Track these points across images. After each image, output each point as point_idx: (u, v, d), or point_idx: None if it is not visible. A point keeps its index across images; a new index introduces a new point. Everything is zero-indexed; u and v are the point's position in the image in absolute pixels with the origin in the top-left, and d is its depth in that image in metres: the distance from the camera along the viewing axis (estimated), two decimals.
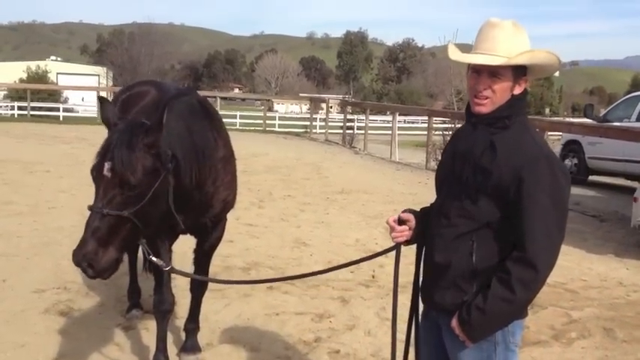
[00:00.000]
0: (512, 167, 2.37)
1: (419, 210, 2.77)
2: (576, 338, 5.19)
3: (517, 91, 2.50)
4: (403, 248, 2.81)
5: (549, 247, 2.37)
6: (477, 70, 2.49)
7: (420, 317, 2.82)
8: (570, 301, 6.04)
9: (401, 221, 2.71)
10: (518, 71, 2.47)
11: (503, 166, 2.39)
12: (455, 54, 2.56)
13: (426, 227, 2.67)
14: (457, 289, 2.49)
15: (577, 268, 7.19)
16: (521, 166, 2.36)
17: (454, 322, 2.48)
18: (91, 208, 3.17)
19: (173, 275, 4.22)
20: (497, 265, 2.41)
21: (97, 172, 3.22)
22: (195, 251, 4.49)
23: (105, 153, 3.24)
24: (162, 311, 4.24)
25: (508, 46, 2.44)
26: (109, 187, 3.19)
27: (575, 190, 12.26)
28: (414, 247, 2.78)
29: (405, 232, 2.70)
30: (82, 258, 3.10)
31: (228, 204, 4.30)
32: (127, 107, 4.87)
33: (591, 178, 14.61)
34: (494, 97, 2.47)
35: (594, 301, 6.13)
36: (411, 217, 2.71)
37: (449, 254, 2.50)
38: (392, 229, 2.71)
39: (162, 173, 3.34)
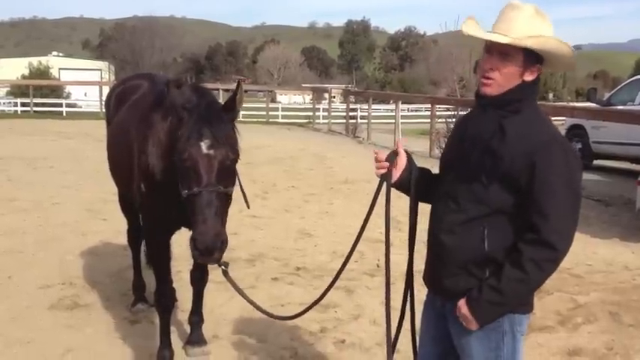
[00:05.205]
0: (525, 153, 2.33)
1: (417, 165, 2.77)
2: (582, 323, 5.18)
3: (528, 77, 2.44)
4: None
5: (563, 229, 2.33)
6: (489, 51, 2.44)
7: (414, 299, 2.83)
8: (576, 286, 6.02)
9: (392, 154, 2.73)
10: (530, 57, 2.41)
11: (515, 151, 2.34)
12: (469, 28, 2.48)
13: (420, 184, 2.71)
14: (469, 275, 2.43)
15: (582, 253, 7.16)
16: (533, 151, 2.32)
17: (462, 302, 2.41)
18: (204, 187, 3.12)
19: (175, 268, 4.22)
20: (510, 251, 2.37)
21: (195, 153, 3.18)
22: None
23: (198, 133, 3.19)
24: (164, 305, 4.24)
25: (524, 29, 2.38)
26: (216, 165, 3.19)
27: None
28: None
29: (385, 166, 2.74)
30: (216, 240, 3.04)
31: None
32: (122, 100, 4.87)
33: (596, 162, 14.56)
34: (500, 79, 2.41)
35: (600, 285, 6.11)
36: (404, 156, 2.73)
37: (459, 238, 2.45)
38: (376, 160, 2.76)
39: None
